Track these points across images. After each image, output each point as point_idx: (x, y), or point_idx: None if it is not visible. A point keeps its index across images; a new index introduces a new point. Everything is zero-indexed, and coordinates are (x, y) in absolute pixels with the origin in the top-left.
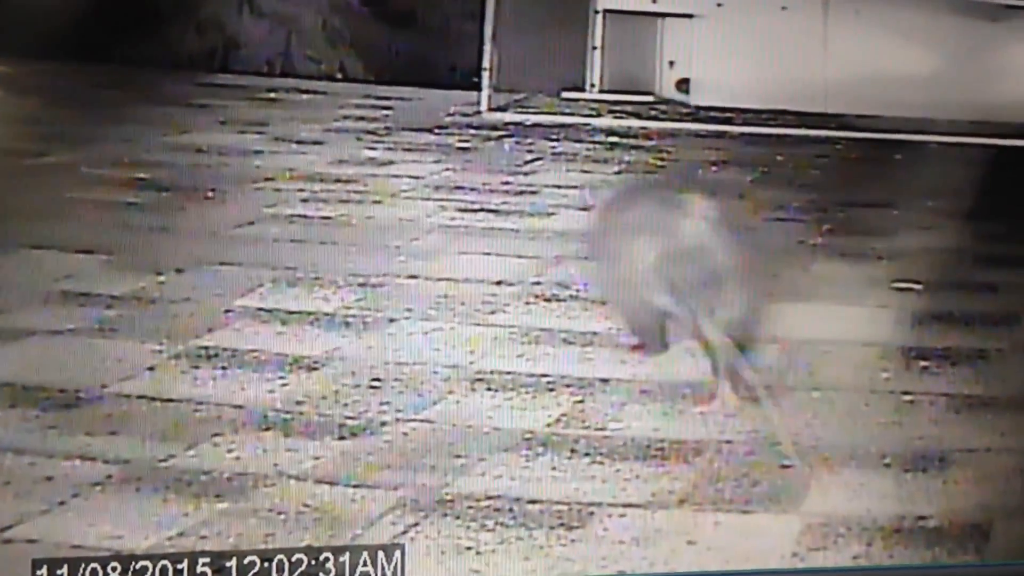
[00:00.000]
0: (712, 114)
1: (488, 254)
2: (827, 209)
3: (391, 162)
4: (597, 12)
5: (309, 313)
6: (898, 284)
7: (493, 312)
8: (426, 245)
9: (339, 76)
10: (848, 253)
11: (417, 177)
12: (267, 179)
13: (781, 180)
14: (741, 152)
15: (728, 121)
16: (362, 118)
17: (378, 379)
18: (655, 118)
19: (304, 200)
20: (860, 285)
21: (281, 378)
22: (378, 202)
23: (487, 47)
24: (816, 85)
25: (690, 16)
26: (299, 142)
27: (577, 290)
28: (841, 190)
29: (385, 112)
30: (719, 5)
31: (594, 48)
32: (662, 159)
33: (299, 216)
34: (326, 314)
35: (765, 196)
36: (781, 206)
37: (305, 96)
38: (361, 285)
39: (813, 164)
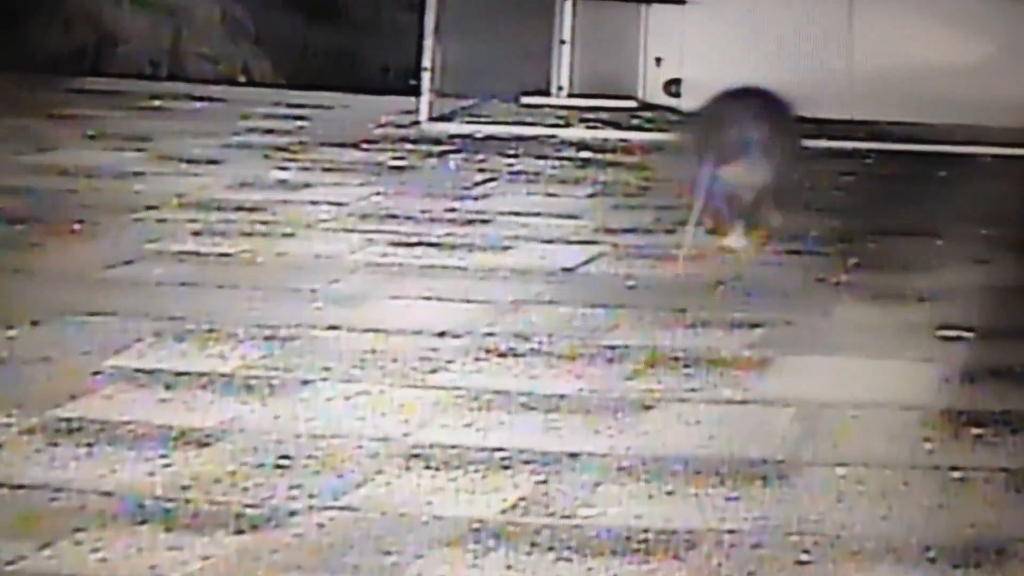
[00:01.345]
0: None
1: (428, 298)
2: (854, 239)
3: (307, 185)
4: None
5: (201, 374)
6: (944, 332)
7: (434, 371)
8: (350, 288)
9: (242, 79)
10: (881, 294)
11: (339, 204)
12: (149, 207)
13: (795, 203)
14: None
15: None
16: (271, 131)
17: (287, 456)
18: (638, 128)
19: (196, 233)
20: (896, 333)
21: (163, 457)
22: (290, 235)
23: (428, 42)
24: (840, 85)
25: (682, 2)
26: (191, 161)
27: (539, 342)
28: (872, 215)
29: (300, 123)
30: None
31: (562, 43)
32: (647, 179)
33: (190, 253)
34: (222, 375)
35: (777, 223)
36: (796, 236)
37: (199, 104)
38: (268, 339)
39: (836, 183)
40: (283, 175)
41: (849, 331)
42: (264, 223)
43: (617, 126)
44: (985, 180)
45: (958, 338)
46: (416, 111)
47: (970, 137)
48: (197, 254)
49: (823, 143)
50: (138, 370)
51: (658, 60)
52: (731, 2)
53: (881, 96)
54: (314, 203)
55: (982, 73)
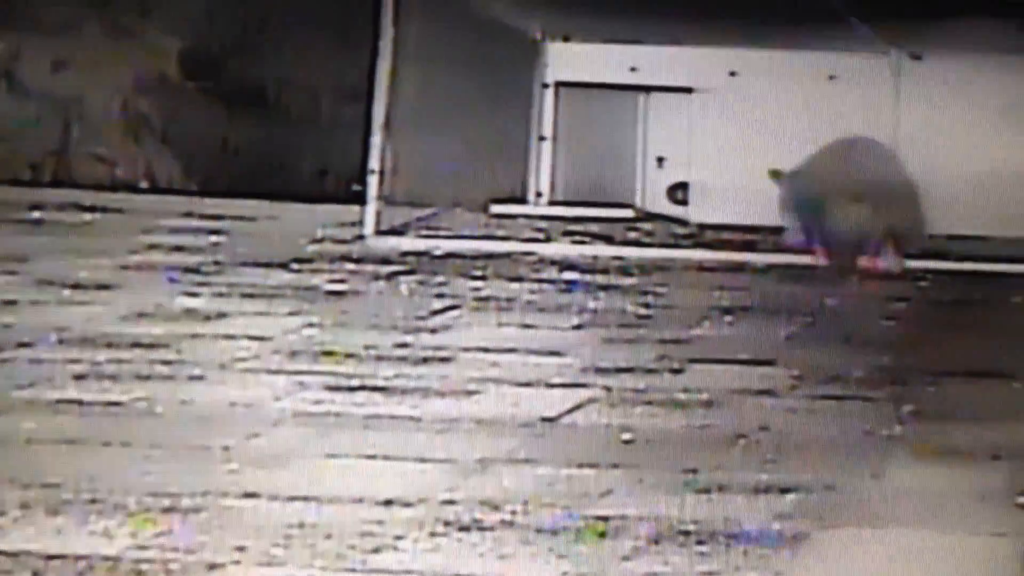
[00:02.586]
0: (723, 236)
1: (372, 457)
2: (908, 381)
3: (222, 315)
4: (546, 86)
5: (79, 558)
6: None
7: (377, 550)
8: (273, 444)
9: (144, 185)
10: (944, 450)
11: (262, 338)
12: (21, 345)
13: (834, 336)
14: (771, 294)
15: (748, 247)
16: (179, 248)
17: None
18: (636, 243)
19: (79, 377)
20: (965, 501)
21: None
22: (198, 378)
23: (376, 139)
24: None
25: (688, 91)
26: (76, 286)
27: (513, 512)
28: (930, 351)
29: (215, 239)
30: (732, 75)
31: (541, 139)
32: (647, 305)
33: (70, 402)
34: (107, 559)
35: (809, 361)
36: (835, 376)
37: (89, 216)
38: (166, 511)
39: (884, 311)
40: (192, 303)
41: (905, 498)
42: (166, 363)
43: (610, 240)
44: None
45: None
46: (360, 223)
47: None
48: (80, 403)
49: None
50: (1, 552)
51: (660, 160)
52: (748, 93)
53: (939, 202)
54: (230, 338)
55: None
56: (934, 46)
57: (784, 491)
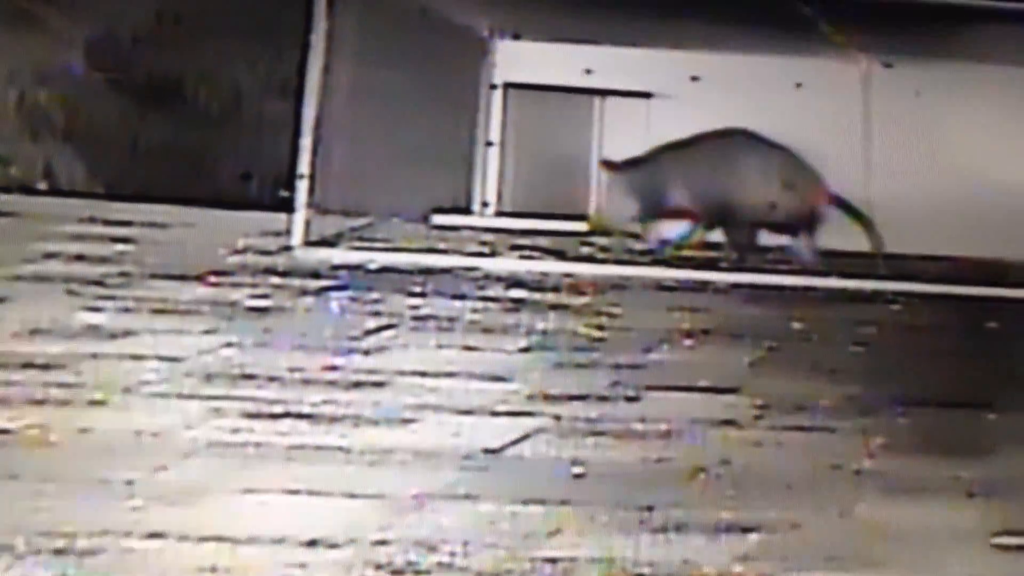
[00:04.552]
0: (684, 253)
1: (295, 492)
2: (879, 410)
3: (128, 333)
4: (494, 87)
5: None
6: (1002, 539)
7: None
8: (183, 478)
9: (42, 186)
10: (916, 486)
11: (173, 359)
12: None
13: (800, 363)
14: (734, 316)
15: (712, 265)
16: (80, 257)
17: None
18: (589, 259)
19: None
20: (937, 541)
21: None
22: (99, 403)
23: (305, 141)
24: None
25: (647, 96)
26: None
27: (452, 554)
28: (901, 379)
29: (121, 248)
30: (694, 79)
31: (488, 144)
32: (600, 326)
33: None
34: None
35: (773, 389)
36: (801, 406)
37: None
38: (59, 553)
39: (854, 336)
40: (94, 319)
41: (874, 538)
42: (63, 386)
43: (561, 256)
44: None
45: (1021, 548)
46: (287, 232)
47: None
48: None
49: (835, 282)
50: None
51: (626, 165)
52: (711, 99)
53: (909, 220)
54: (137, 358)
55: None
56: (905, 54)
57: (747, 530)
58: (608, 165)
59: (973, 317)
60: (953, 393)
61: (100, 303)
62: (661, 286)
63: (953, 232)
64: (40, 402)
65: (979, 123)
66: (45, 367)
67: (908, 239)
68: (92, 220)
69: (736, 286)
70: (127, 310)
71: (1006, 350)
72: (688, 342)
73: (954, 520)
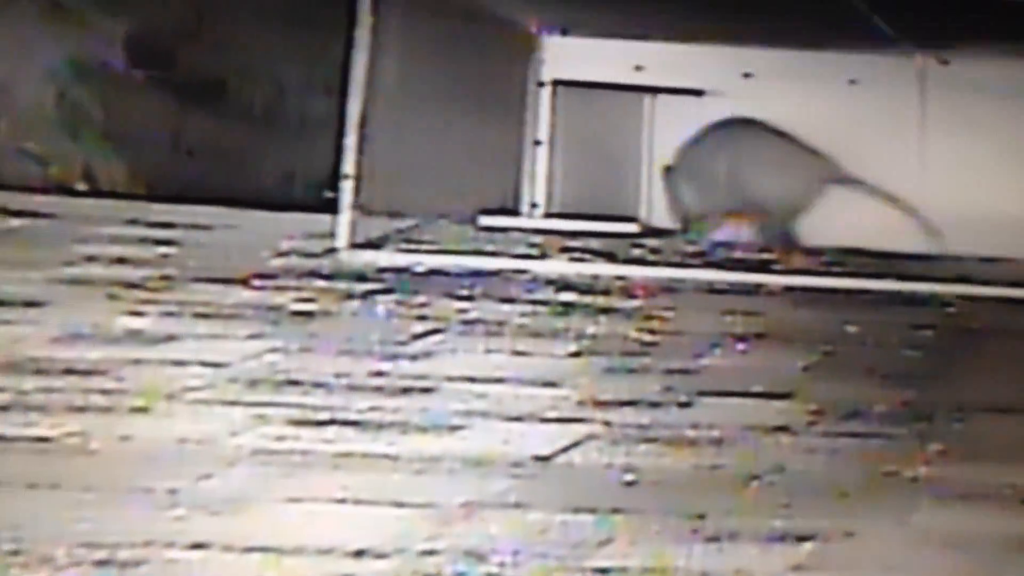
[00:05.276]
0: (736, 255)
1: (342, 501)
2: (934, 417)
3: (171, 338)
4: (542, 84)
5: None
6: None
7: None
8: (228, 487)
9: (82, 187)
10: (972, 493)
11: (217, 365)
12: None
13: (855, 367)
14: (787, 319)
15: (764, 267)
16: (121, 260)
17: None
18: (640, 261)
19: (2, 408)
20: (995, 549)
21: None
22: (142, 410)
23: (350, 140)
24: (910, 207)
25: (698, 93)
26: (1, 303)
27: (501, 564)
28: (957, 384)
29: (164, 250)
30: (747, 76)
31: (536, 144)
32: (652, 331)
33: None
34: None
35: (828, 394)
36: (856, 412)
37: (17, 222)
38: (101, 564)
39: (909, 340)
40: (136, 323)
41: (931, 546)
42: (104, 393)
43: (612, 258)
44: None
45: None
46: (332, 234)
47: None
48: (1, 438)
49: (889, 285)
50: None
51: (668, 169)
52: (764, 96)
53: (967, 221)
54: (180, 364)
55: None
56: (963, 50)
57: (801, 539)
58: (664, 169)
59: None
60: (1008, 397)
61: (142, 307)
62: (713, 289)
63: (1012, 233)
64: (81, 409)
65: None
66: (86, 373)
67: (965, 240)
68: (133, 222)
69: (789, 288)
70: (169, 314)
71: None
72: (741, 346)
73: (1010, 527)
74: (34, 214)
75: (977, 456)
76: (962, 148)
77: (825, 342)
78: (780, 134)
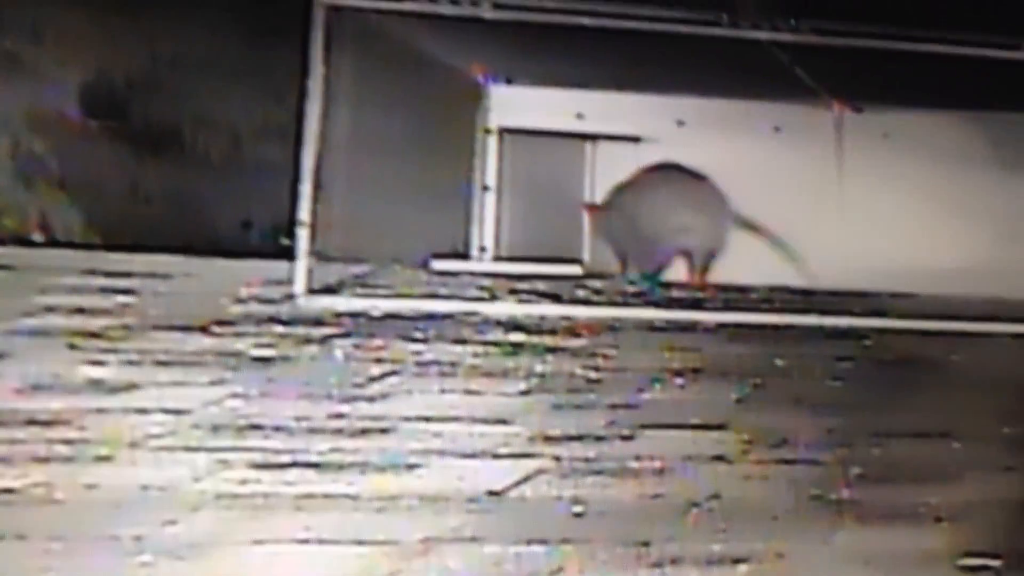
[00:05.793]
0: (674, 294)
1: (305, 541)
2: (855, 442)
3: (132, 386)
4: (488, 131)
5: None
6: (967, 560)
7: None
8: (192, 531)
9: (38, 238)
10: (890, 513)
11: (179, 411)
12: None
13: (783, 398)
14: (721, 355)
15: (698, 305)
16: (80, 311)
17: None
18: (584, 302)
19: None
20: (912, 564)
21: None
22: (105, 458)
23: (305, 187)
24: (829, 247)
25: (635, 140)
26: None
27: None
28: (874, 411)
29: (123, 299)
30: (680, 124)
31: (485, 189)
32: (596, 367)
33: None
34: None
35: (759, 424)
36: (784, 440)
37: None
38: None
39: (831, 371)
40: (97, 373)
41: (854, 564)
42: (67, 443)
43: (557, 299)
44: (1006, 365)
45: (984, 568)
46: (289, 280)
47: (985, 312)
48: None
49: (811, 320)
50: None
51: (597, 208)
52: (695, 143)
53: (880, 261)
54: (142, 411)
55: (1002, 234)
56: (875, 99)
57: (736, 561)
58: (588, 208)
59: (937, 351)
60: (921, 424)
61: (103, 356)
62: (652, 327)
63: (920, 271)
64: (45, 459)
65: (941, 165)
66: (48, 423)
67: (878, 277)
68: (91, 272)
69: (722, 325)
70: (130, 363)
71: (969, 382)
72: (679, 381)
73: (924, 543)
74: None
75: (894, 478)
76: (875, 190)
77: (756, 375)
78: (699, 177)
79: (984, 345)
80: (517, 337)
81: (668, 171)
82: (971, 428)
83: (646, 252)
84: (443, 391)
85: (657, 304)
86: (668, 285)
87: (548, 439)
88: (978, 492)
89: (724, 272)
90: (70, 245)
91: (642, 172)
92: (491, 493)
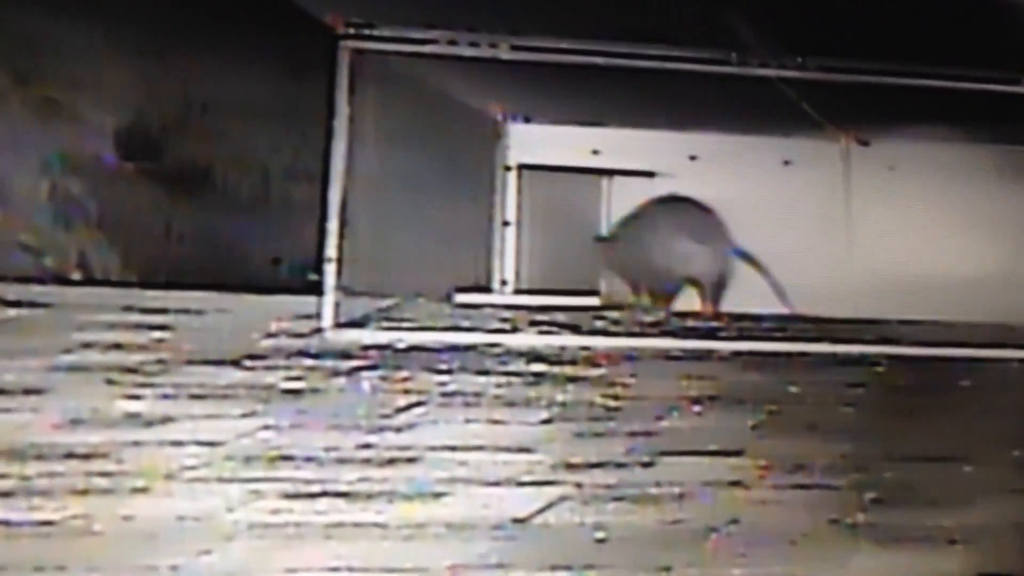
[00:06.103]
0: (691, 323)
1: (335, 570)
2: (869, 467)
3: (167, 419)
4: (508, 168)
5: None
6: None
7: None
8: (227, 561)
9: (76, 276)
10: (905, 536)
11: (213, 443)
12: None
13: (798, 424)
14: (737, 383)
15: (714, 334)
16: (117, 346)
17: None
18: (603, 333)
19: (6, 494)
20: None
21: None
22: (142, 490)
23: (332, 225)
24: (840, 276)
25: (650, 175)
26: (1, 392)
27: None
28: (887, 436)
29: (158, 335)
30: (692, 159)
31: (505, 224)
32: (615, 396)
33: None
34: None
35: (775, 450)
36: (800, 465)
37: (14, 312)
38: None
39: (845, 397)
40: (134, 407)
41: None
42: (105, 475)
43: (577, 330)
44: (1015, 390)
45: None
46: (318, 315)
47: (994, 338)
48: (6, 524)
49: (824, 347)
50: None
51: (606, 240)
52: (708, 177)
53: (891, 289)
54: (177, 444)
55: (1002, 264)
56: (881, 132)
57: None
58: (596, 240)
59: (948, 377)
60: (933, 448)
61: (139, 391)
62: (669, 356)
63: (928, 297)
64: (83, 492)
65: (945, 197)
66: (86, 457)
67: (887, 305)
68: (127, 309)
69: (737, 353)
70: (166, 396)
71: (979, 406)
72: (696, 408)
73: (939, 565)
74: (31, 304)
75: (909, 502)
76: (882, 222)
77: (771, 402)
78: (706, 209)
79: (993, 371)
80: (538, 367)
81: (671, 202)
82: (982, 452)
83: (656, 281)
84: (467, 421)
85: (673, 333)
86: (683, 315)
87: (570, 466)
88: (991, 514)
89: (737, 301)
90: (107, 283)
91: (646, 203)
92: (516, 520)
